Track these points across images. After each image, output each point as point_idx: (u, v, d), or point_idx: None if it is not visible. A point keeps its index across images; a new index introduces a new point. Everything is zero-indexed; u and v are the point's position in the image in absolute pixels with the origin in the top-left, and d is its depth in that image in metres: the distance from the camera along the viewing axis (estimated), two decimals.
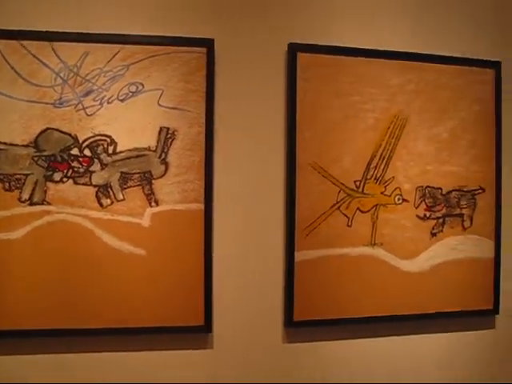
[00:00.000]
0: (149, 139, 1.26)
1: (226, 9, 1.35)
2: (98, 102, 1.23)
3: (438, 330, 1.50)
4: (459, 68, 1.49)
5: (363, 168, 1.41)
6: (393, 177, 1.43)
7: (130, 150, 1.25)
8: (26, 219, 1.19)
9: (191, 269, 1.31)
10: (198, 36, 1.32)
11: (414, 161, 1.45)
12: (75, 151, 1.22)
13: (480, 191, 1.51)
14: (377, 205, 1.42)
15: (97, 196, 1.23)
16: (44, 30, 1.21)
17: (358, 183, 1.40)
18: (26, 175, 1.21)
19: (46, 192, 1.21)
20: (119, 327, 1.25)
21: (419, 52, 1.46)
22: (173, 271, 1.29)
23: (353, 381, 1.43)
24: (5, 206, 1.19)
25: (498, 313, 1.53)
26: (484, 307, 1.54)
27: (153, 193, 1.26)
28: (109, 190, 1.24)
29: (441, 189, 1.47)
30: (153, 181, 1.26)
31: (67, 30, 1.22)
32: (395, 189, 1.43)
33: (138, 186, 1.26)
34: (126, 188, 1.25)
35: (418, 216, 1.45)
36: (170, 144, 1.29)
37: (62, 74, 1.21)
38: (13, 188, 1.19)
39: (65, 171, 1.22)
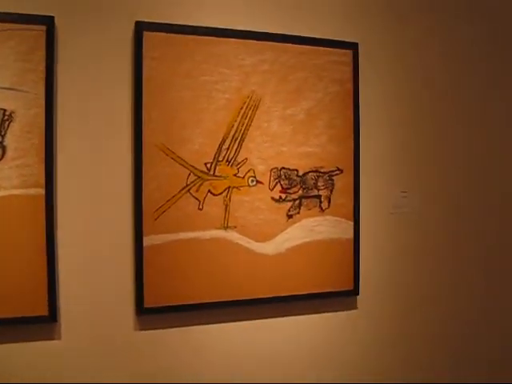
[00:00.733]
0: None
1: None
2: None
3: (300, 312, 1.99)
4: (316, 49, 1.96)
5: (214, 150, 1.83)
6: (246, 158, 1.86)
7: None
8: None
9: (32, 256, 1.66)
10: (37, 13, 1.64)
11: (268, 142, 1.89)
12: None
13: (337, 172, 1.98)
14: (229, 187, 1.84)
15: None
16: None
17: (209, 165, 1.82)
18: None
19: None
20: None
21: (274, 32, 1.90)
22: (13, 259, 1.65)
23: (210, 368, 1.86)
24: None
25: (358, 293, 2.01)
26: (345, 288, 2.00)
27: None
28: None
29: (297, 170, 1.93)
30: None
31: None
32: (248, 170, 1.87)
33: None
34: None
35: (273, 198, 1.90)
36: (8, 126, 1.63)
37: None
38: None
39: None
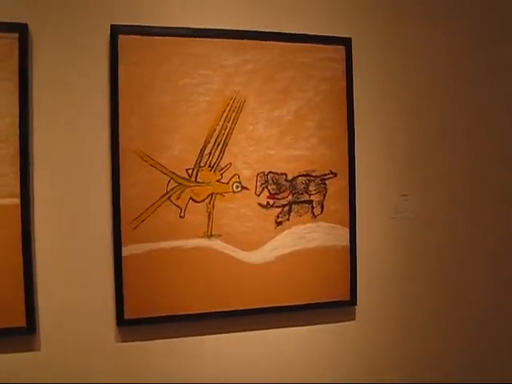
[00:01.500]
0: None
1: None
2: None
3: (293, 323, 1.90)
4: (304, 46, 1.87)
5: (196, 155, 1.77)
6: (230, 163, 1.79)
7: None
8: None
9: (8, 268, 1.64)
10: (9, 21, 1.63)
11: (253, 146, 1.81)
12: None
13: (331, 176, 1.88)
14: (212, 194, 1.78)
15: None
16: None
17: (190, 171, 1.76)
18: None
19: None
20: None
21: (258, 30, 1.80)
22: None
23: (193, 381, 1.77)
24: None
25: (355, 304, 1.89)
26: (341, 298, 1.89)
27: None
28: None
29: (285, 174, 1.84)
30: None
31: None
32: (233, 176, 1.79)
33: None
34: None
35: (260, 204, 1.82)
36: None
37: None
38: None
39: None
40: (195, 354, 1.82)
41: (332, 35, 1.91)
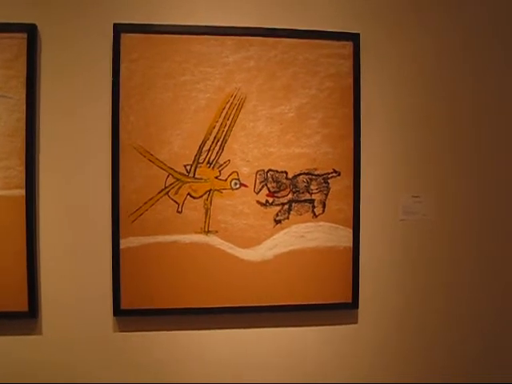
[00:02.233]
0: None
1: None
2: None
3: (290, 323, 1.88)
4: (309, 42, 1.84)
5: (194, 151, 1.79)
6: (229, 160, 1.80)
7: None
8: None
9: (13, 255, 1.74)
10: (19, 21, 1.72)
11: (253, 143, 1.80)
12: None
13: (334, 174, 1.84)
14: (210, 190, 1.79)
15: None
16: None
17: (188, 167, 1.79)
18: None
19: None
20: None
21: (260, 26, 1.79)
22: None
23: (188, 374, 1.80)
24: None
25: (357, 307, 1.85)
26: (342, 300, 1.86)
27: None
28: None
29: (286, 172, 1.82)
30: None
31: None
32: (232, 173, 1.80)
33: None
34: None
35: (258, 202, 1.81)
36: None
37: None
38: None
39: None
40: (189, 347, 1.85)
41: (339, 31, 1.85)
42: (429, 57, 1.91)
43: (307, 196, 1.85)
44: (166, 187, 1.79)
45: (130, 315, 1.80)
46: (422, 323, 1.93)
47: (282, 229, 1.84)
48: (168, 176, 1.79)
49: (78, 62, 1.78)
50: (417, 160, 1.90)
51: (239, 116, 1.81)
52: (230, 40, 1.81)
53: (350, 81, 1.86)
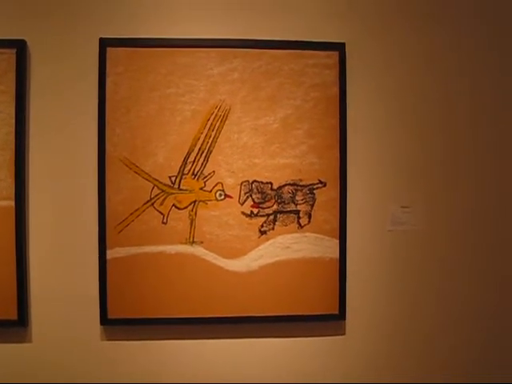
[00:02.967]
0: None
1: (37, 8, 1.80)
2: None
3: (275, 334, 1.88)
4: (293, 52, 1.83)
5: (179, 163, 1.81)
6: (213, 171, 1.81)
7: None
8: None
9: (3, 265, 1.79)
10: (9, 37, 1.77)
11: (238, 154, 1.81)
12: None
13: (320, 185, 1.83)
14: (195, 201, 1.80)
15: None
16: None
17: (173, 179, 1.80)
18: None
19: None
20: None
21: (244, 38, 1.81)
22: None
23: (174, 382, 1.83)
24: None
25: (344, 318, 1.84)
26: (328, 312, 1.85)
27: None
28: None
29: (271, 183, 1.82)
30: None
31: None
32: (216, 184, 1.81)
33: None
34: None
35: (243, 213, 1.82)
36: None
37: None
38: None
39: None
40: (175, 356, 1.86)
41: (325, 41, 1.84)
42: (416, 65, 1.88)
43: (292, 207, 1.84)
44: (151, 198, 1.81)
45: (116, 324, 1.82)
46: (410, 334, 1.90)
47: (268, 240, 1.84)
48: (153, 187, 1.81)
49: (65, 77, 1.82)
50: (405, 170, 1.88)
51: (224, 127, 1.82)
52: (214, 52, 1.82)
53: (336, 90, 1.85)
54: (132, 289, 1.82)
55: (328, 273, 1.86)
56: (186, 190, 1.82)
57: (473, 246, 1.91)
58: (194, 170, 1.82)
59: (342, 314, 1.87)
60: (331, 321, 1.88)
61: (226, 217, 1.83)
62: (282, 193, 1.84)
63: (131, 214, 1.81)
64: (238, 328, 1.86)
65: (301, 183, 1.84)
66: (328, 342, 1.90)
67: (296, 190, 1.84)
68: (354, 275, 1.88)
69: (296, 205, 1.84)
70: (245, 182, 1.82)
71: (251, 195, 1.83)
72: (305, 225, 1.85)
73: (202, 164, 1.82)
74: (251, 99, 1.83)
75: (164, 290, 1.82)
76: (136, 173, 1.80)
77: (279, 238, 1.84)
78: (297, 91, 1.84)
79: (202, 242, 1.82)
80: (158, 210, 1.81)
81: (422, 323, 1.91)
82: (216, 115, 1.82)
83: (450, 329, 1.92)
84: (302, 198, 1.84)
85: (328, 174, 1.85)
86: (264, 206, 1.83)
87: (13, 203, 1.81)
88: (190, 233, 1.82)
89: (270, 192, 1.83)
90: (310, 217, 1.85)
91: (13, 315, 1.83)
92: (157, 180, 1.81)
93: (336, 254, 1.86)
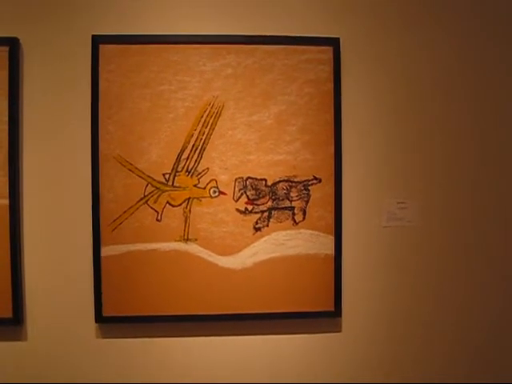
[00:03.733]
0: None
1: (29, 6, 1.79)
2: None
3: (272, 331, 1.87)
4: (287, 48, 1.81)
5: (173, 160, 1.80)
6: (207, 168, 1.80)
7: None
8: None
9: None
10: (0, 35, 1.77)
11: (232, 150, 1.80)
12: None
13: (314, 181, 1.82)
14: (189, 198, 1.79)
15: None
16: None
17: (167, 176, 1.79)
18: None
19: None
20: None
21: (238, 34, 1.79)
22: None
23: (169, 379, 1.82)
24: None
25: (340, 315, 1.82)
26: (324, 308, 1.84)
27: None
28: None
29: (265, 180, 1.81)
30: None
31: None
32: (210, 181, 1.80)
33: None
34: None
35: (238, 210, 1.81)
36: None
37: None
38: None
39: None
40: (170, 353, 1.86)
41: (318, 36, 1.82)
42: (411, 60, 1.86)
43: (287, 203, 1.83)
44: (145, 196, 1.80)
45: (111, 322, 1.81)
46: (407, 331, 1.89)
47: (262, 236, 1.82)
48: (147, 185, 1.80)
49: (58, 74, 1.81)
50: (401, 165, 1.86)
51: (217, 124, 1.81)
52: (206, 48, 1.81)
53: (330, 86, 1.83)
54: (126, 286, 1.81)
55: (323, 269, 1.85)
56: (179, 187, 1.80)
57: (469, 241, 1.89)
58: (188, 167, 1.80)
59: (337, 311, 1.86)
60: (327, 318, 1.87)
61: (221, 214, 1.81)
62: (277, 189, 1.82)
63: (125, 211, 1.80)
64: (233, 325, 1.84)
65: (295, 179, 1.83)
66: (324, 339, 1.88)
67: (290, 187, 1.82)
68: (349, 272, 1.86)
69: (291, 201, 1.83)
70: (239, 178, 1.81)
71: (245, 192, 1.81)
72: (300, 221, 1.83)
73: (196, 161, 1.80)
74: (245, 95, 1.81)
75: (158, 287, 1.81)
76: (130, 170, 1.79)
77: (274, 235, 1.83)
78: (290, 87, 1.83)
79: (196, 239, 1.81)
80: (152, 208, 1.80)
81: (418, 320, 1.89)
82: (209, 112, 1.80)
83: (447, 325, 1.90)
84: (296, 194, 1.83)
85: (323, 170, 1.83)
86: (258, 202, 1.82)
87: (7, 201, 1.80)
88: (185, 230, 1.81)
89: (264, 188, 1.82)
90: (304, 213, 1.83)
91: (7, 313, 1.82)
92: (150, 177, 1.79)
93: (331, 251, 1.84)
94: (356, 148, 1.85)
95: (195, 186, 1.81)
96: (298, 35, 1.83)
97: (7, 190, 1.81)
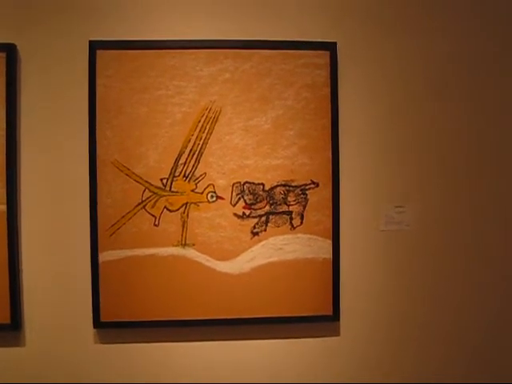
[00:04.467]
0: None
1: (27, 12, 1.79)
2: None
3: (271, 336, 1.87)
4: (284, 52, 1.81)
5: (170, 165, 1.79)
6: (205, 173, 1.79)
7: None
8: None
9: None
10: None
11: (229, 155, 1.80)
12: None
13: (312, 186, 1.82)
14: (187, 203, 1.79)
15: None
16: None
17: (164, 181, 1.79)
18: None
19: None
20: None
21: (234, 38, 1.79)
22: None
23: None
24: None
25: (338, 319, 1.82)
26: (322, 313, 1.83)
27: None
28: None
29: (263, 184, 1.81)
30: None
31: None
32: (208, 186, 1.80)
33: None
34: None
35: (235, 214, 1.80)
36: None
37: None
38: None
39: None
40: (167, 358, 1.85)
41: (316, 40, 1.82)
42: (408, 64, 1.86)
43: (285, 208, 1.83)
44: (142, 201, 1.79)
45: (109, 327, 1.81)
46: (405, 335, 1.88)
47: (260, 241, 1.82)
48: (145, 190, 1.80)
49: (56, 80, 1.81)
50: (399, 169, 1.86)
51: (215, 129, 1.81)
52: (203, 53, 1.81)
53: (327, 91, 1.83)
54: (124, 292, 1.80)
55: (321, 274, 1.84)
56: (177, 192, 1.80)
57: (467, 246, 1.89)
58: (186, 171, 1.80)
59: (335, 315, 1.85)
60: (325, 322, 1.86)
61: (218, 218, 1.81)
62: (274, 194, 1.82)
63: (123, 216, 1.79)
64: (231, 330, 1.84)
65: (293, 184, 1.82)
66: (322, 343, 1.88)
67: (288, 191, 1.82)
68: (347, 276, 1.85)
69: (288, 206, 1.83)
70: (236, 183, 1.81)
71: (243, 196, 1.81)
72: (297, 226, 1.83)
73: (194, 166, 1.80)
74: (242, 100, 1.81)
75: (156, 292, 1.80)
76: (127, 175, 1.79)
77: (271, 240, 1.83)
78: (288, 91, 1.83)
79: (194, 244, 1.81)
80: (149, 213, 1.80)
81: (416, 324, 1.89)
82: (207, 116, 1.80)
83: (445, 329, 1.89)
84: (294, 198, 1.82)
85: (320, 174, 1.83)
86: (256, 207, 1.82)
87: (4, 207, 1.80)
88: (182, 235, 1.80)
89: (261, 193, 1.82)
90: (302, 217, 1.83)
91: (6, 319, 1.82)
92: (148, 182, 1.79)
93: (329, 255, 1.84)
94: (353, 152, 1.85)
95: (193, 190, 1.80)
96: (295, 40, 1.83)
97: (5, 196, 1.80)
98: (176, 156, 1.80)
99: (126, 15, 1.82)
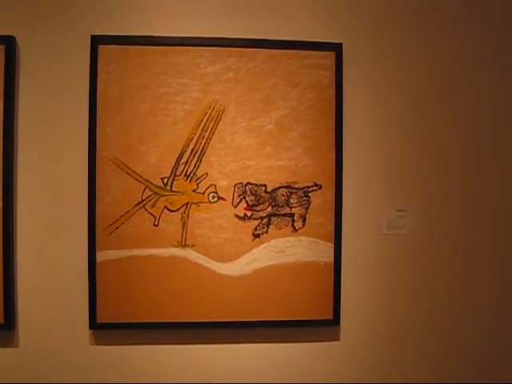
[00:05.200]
0: None
1: (27, 4, 1.74)
2: None
3: (270, 339, 1.84)
4: (289, 52, 1.78)
5: (172, 164, 1.75)
6: (206, 173, 1.75)
7: None
8: None
9: None
10: None
11: (231, 155, 1.76)
12: None
13: (315, 188, 1.78)
14: (187, 203, 1.75)
15: None
16: None
17: (165, 180, 1.75)
18: None
19: None
20: None
21: (239, 37, 1.76)
22: None
23: None
24: None
25: (338, 323, 1.79)
26: (322, 317, 1.80)
27: None
28: None
29: (265, 185, 1.77)
30: None
31: None
32: (209, 186, 1.76)
33: None
34: None
35: (237, 216, 1.76)
36: None
37: None
38: None
39: None
40: (165, 360, 1.81)
41: (321, 41, 1.79)
42: (413, 66, 1.84)
43: (287, 210, 1.80)
44: (142, 200, 1.75)
45: (105, 329, 1.76)
46: (405, 339, 1.86)
47: (261, 243, 1.79)
48: (145, 189, 1.76)
49: (56, 74, 1.77)
50: (402, 173, 1.84)
51: (217, 128, 1.77)
52: (208, 51, 1.77)
53: (332, 92, 1.80)
54: (122, 292, 1.76)
55: (322, 277, 1.82)
56: (178, 191, 1.77)
57: (469, 250, 1.87)
58: (187, 171, 1.76)
59: (336, 319, 1.83)
60: (325, 326, 1.84)
61: (219, 219, 1.78)
62: (277, 195, 1.79)
63: (122, 215, 1.75)
64: (231, 333, 1.81)
65: (295, 186, 1.79)
66: (322, 347, 1.85)
67: (290, 193, 1.79)
68: (348, 280, 1.83)
69: (290, 208, 1.80)
70: (238, 184, 1.78)
71: (245, 197, 1.78)
72: (299, 228, 1.80)
73: (195, 165, 1.76)
74: (246, 100, 1.78)
75: (155, 294, 1.77)
76: (127, 173, 1.75)
77: (273, 242, 1.80)
78: (292, 92, 1.80)
79: (194, 245, 1.77)
80: (149, 212, 1.76)
81: (416, 328, 1.87)
82: (210, 115, 1.77)
83: (445, 334, 1.88)
84: (296, 200, 1.79)
85: (323, 176, 1.80)
86: (258, 208, 1.78)
87: (0, 204, 1.74)
88: (182, 235, 1.77)
89: (263, 194, 1.78)
90: (304, 220, 1.80)
91: None
92: (148, 181, 1.75)
93: (331, 258, 1.81)
94: (357, 155, 1.82)
95: (194, 190, 1.77)
96: (301, 40, 1.80)
97: (1, 192, 1.75)
98: (177, 155, 1.76)
99: (130, 10, 1.78)
